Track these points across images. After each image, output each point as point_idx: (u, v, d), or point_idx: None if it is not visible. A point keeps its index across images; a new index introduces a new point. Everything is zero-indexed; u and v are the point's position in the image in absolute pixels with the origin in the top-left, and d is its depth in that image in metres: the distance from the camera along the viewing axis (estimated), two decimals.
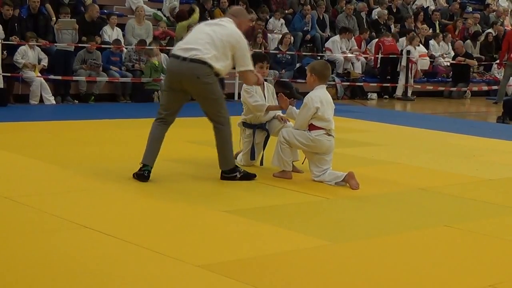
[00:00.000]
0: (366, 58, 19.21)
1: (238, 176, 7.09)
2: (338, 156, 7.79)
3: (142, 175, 6.88)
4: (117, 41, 15.04)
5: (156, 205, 6.16)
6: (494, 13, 24.45)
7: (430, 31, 21.08)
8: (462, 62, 19.36)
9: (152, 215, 5.79)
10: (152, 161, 6.95)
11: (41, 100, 13.46)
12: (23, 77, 13.34)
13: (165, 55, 15.37)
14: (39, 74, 13.51)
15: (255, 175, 7.20)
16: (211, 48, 6.77)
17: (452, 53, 20.19)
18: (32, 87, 13.35)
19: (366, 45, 19.58)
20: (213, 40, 6.80)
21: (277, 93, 7.93)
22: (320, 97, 7.24)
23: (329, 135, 7.29)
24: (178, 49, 6.97)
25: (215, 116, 6.98)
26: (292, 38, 17.67)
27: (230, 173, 7.08)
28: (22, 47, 13.44)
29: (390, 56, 18.50)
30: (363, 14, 20.57)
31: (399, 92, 18.60)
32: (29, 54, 13.50)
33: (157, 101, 14.66)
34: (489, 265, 4.90)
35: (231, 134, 7.08)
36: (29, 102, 13.33)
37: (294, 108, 7.50)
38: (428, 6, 23.01)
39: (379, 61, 18.83)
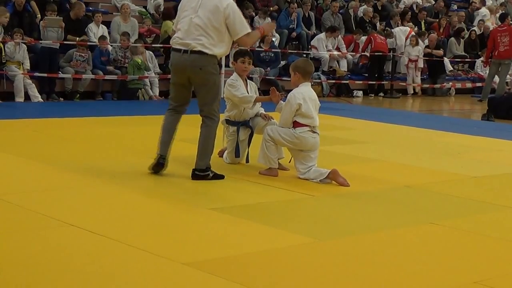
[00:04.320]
0: (353, 55, 19.22)
1: (211, 175, 7.04)
2: (323, 153, 7.81)
3: (157, 164, 7.06)
4: (103, 37, 14.96)
5: (142, 203, 6.16)
6: (479, 11, 24.53)
7: (416, 29, 21.12)
8: (433, 54, 19.39)
9: (138, 213, 5.79)
10: (167, 148, 7.11)
11: (27, 98, 13.40)
12: (7, 74, 13.27)
13: (151, 52, 15.34)
14: (24, 71, 13.45)
15: (223, 176, 7.13)
16: (205, 38, 6.86)
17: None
18: (15, 82, 13.27)
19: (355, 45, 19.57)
20: (203, 28, 6.86)
21: (263, 91, 7.95)
22: (303, 94, 7.26)
23: (314, 132, 7.31)
24: (176, 43, 7.02)
25: (208, 109, 7.00)
26: (278, 35, 17.72)
27: (203, 172, 7.03)
28: (8, 43, 13.37)
29: (380, 54, 18.52)
30: (351, 12, 20.59)
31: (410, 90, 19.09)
32: (15, 51, 13.45)
33: (142, 99, 14.66)
34: (474, 262, 4.93)
35: (216, 134, 7.10)
36: (15, 100, 13.25)
37: (284, 103, 7.51)
38: (416, 2, 23.05)
39: (368, 58, 18.86)
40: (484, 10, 24.25)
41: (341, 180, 7.07)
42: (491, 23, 23.03)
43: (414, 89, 19.38)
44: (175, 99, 7.23)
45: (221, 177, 7.08)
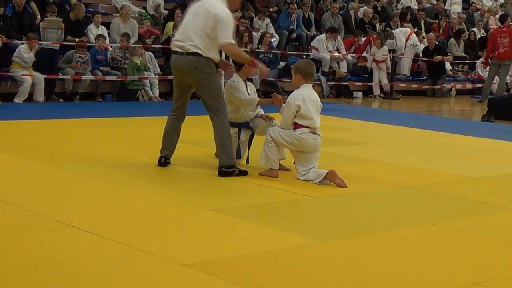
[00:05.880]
0: (353, 57, 19.20)
1: (236, 172, 7.26)
2: (323, 154, 7.80)
3: (159, 161, 7.51)
4: (100, 36, 14.93)
5: (142, 204, 6.15)
6: (479, 12, 24.55)
7: (415, 30, 21.14)
8: (439, 59, 19.34)
9: (138, 214, 5.78)
10: (168, 151, 7.51)
11: (28, 99, 13.37)
12: (12, 75, 13.23)
13: (150, 53, 15.32)
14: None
15: (247, 172, 7.36)
16: (201, 40, 7.17)
17: None
18: (22, 88, 13.22)
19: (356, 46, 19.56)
20: (197, 34, 7.17)
21: (263, 92, 7.96)
22: (302, 95, 7.26)
23: (314, 133, 7.31)
24: (174, 46, 7.34)
25: (212, 104, 7.24)
26: (277, 36, 17.73)
27: (229, 168, 7.23)
28: (21, 46, 13.31)
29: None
30: (352, 13, 20.59)
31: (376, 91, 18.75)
32: (25, 55, 13.41)
33: (142, 100, 14.65)
34: (474, 263, 4.93)
35: (229, 127, 7.30)
36: (13, 101, 13.21)
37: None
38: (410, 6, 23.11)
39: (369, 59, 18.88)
40: None
41: (338, 181, 7.07)
42: (491, 23, 23.06)
43: (382, 90, 19.10)
44: (175, 99, 7.53)
45: (245, 173, 7.32)
